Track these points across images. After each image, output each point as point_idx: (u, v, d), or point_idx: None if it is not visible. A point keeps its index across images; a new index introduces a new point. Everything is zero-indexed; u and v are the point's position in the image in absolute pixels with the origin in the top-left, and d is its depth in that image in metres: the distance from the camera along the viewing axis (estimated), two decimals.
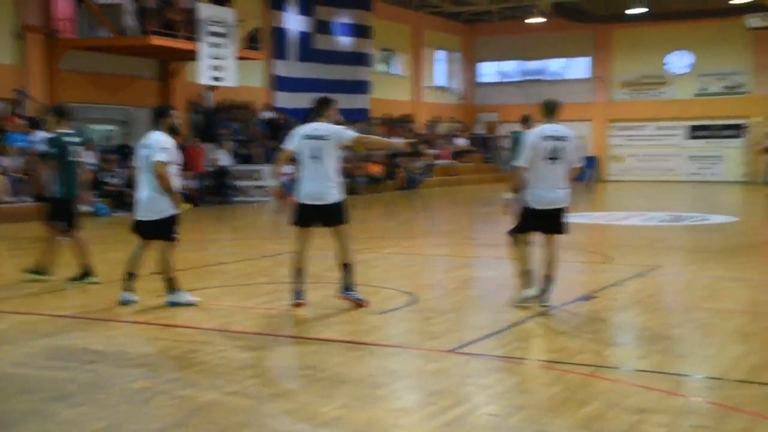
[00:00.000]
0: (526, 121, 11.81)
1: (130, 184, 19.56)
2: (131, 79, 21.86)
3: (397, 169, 28.00)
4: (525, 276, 7.63)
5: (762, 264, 10.95)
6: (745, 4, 29.11)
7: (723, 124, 32.93)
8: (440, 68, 36.49)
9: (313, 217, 7.55)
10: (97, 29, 20.06)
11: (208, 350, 6.09)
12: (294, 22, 27.02)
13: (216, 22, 21.22)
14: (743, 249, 11.90)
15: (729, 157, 32.85)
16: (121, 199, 18.95)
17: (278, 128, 24.90)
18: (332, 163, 7.49)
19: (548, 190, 7.47)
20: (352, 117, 26.13)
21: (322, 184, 7.45)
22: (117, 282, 8.02)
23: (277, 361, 6.09)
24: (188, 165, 18.36)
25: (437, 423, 4.48)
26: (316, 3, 27.62)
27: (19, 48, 19.23)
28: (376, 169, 26.89)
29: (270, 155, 23.43)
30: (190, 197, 18.82)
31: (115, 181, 19.31)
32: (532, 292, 7.57)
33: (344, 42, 28.73)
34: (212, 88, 22.78)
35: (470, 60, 37.46)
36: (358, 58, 29.06)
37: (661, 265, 10.40)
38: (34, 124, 17.40)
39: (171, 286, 7.70)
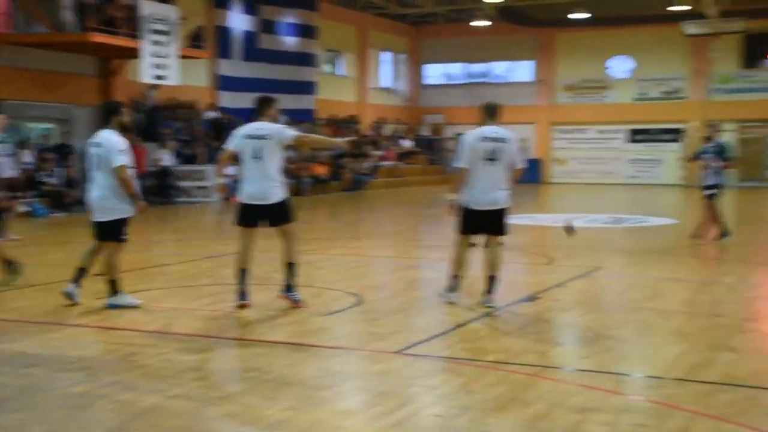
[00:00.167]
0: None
1: (69, 183, 19.19)
2: (70, 76, 21.39)
3: (342, 170, 27.96)
4: (454, 280, 7.78)
5: (699, 265, 11.21)
6: (683, 11, 29.80)
7: (662, 128, 33.67)
8: (386, 70, 36.55)
9: (257, 217, 7.50)
10: (34, 24, 19.58)
11: (150, 353, 5.98)
12: (238, 21, 26.79)
13: (158, 19, 20.91)
14: (681, 250, 12.17)
15: (667, 161, 33.58)
16: (60, 200, 18.55)
17: (222, 128, 24.63)
18: (274, 163, 7.44)
19: (487, 191, 7.54)
20: (297, 117, 26.02)
21: (265, 184, 7.40)
22: (54, 285, 7.83)
23: (222, 363, 6.01)
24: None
25: (383, 424, 4.47)
26: (260, 2, 27.44)
27: None
28: (321, 170, 26.81)
29: (213, 155, 23.18)
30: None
31: (53, 180, 18.87)
32: (453, 297, 7.73)
33: (289, 42, 28.59)
34: (154, 86, 22.43)
35: (416, 62, 37.61)
36: (304, 59, 28.95)
37: (603, 266, 10.57)
38: None
39: (113, 288, 7.55)
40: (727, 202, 23.98)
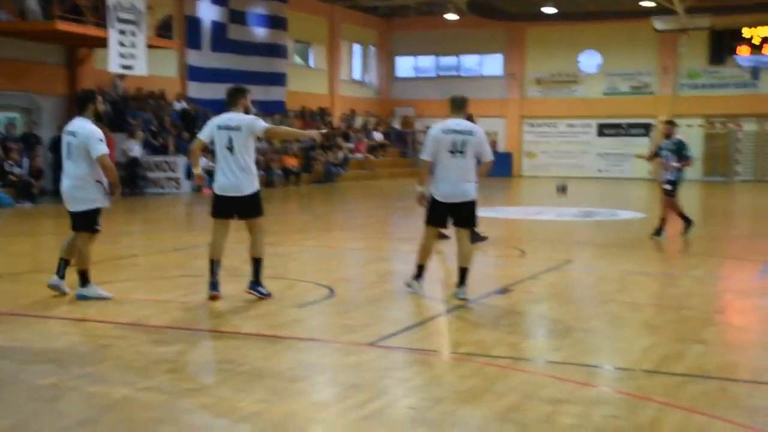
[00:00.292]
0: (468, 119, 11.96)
1: (36, 174, 18.90)
2: (36, 65, 21.07)
3: (313, 162, 27.87)
4: (418, 269, 7.83)
5: (668, 258, 11.33)
6: (651, 7, 30.08)
7: (630, 122, 33.99)
8: (357, 62, 36.47)
9: (230, 208, 7.45)
10: None
11: (121, 345, 5.92)
12: (207, 11, 26.56)
13: (125, 8, 20.65)
14: (650, 244, 12.29)
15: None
16: (26, 190, 18.29)
17: (191, 119, 24.45)
18: (246, 154, 7.39)
19: (453, 183, 7.57)
20: (268, 109, 25.89)
21: (237, 175, 7.35)
22: (19, 276, 7.71)
23: (194, 355, 5.95)
24: None
25: (355, 416, 4.46)
26: None
27: None
28: (292, 162, 26.70)
29: (183, 146, 22.99)
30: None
31: (18, 170, 18.59)
32: (415, 286, 7.80)
33: (259, 33, 28.40)
34: (122, 76, 22.17)
35: (387, 54, 37.57)
36: (274, 50, 28.78)
37: (574, 259, 10.65)
38: None
39: (83, 279, 7.45)
40: (693, 197, 24.34)
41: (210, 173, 7.76)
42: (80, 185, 7.34)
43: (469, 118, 11.98)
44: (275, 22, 28.86)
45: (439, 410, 4.57)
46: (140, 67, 21.36)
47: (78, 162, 7.31)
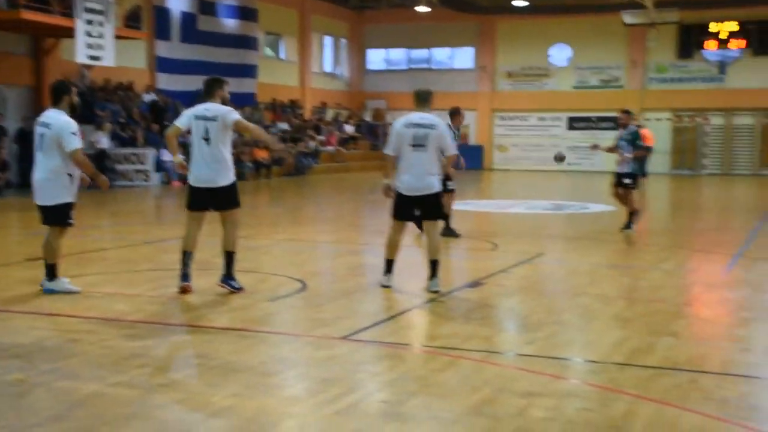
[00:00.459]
0: (455, 114, 11.98)
1: (1, 166, 18.60)
2: (0, 55, 20.70)
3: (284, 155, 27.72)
4: (387, 264, 7.85)
5: (638, 251, 11.42)
6: (621, 1, 30.28)
7: (600, 116, 34.20)
8: (328, 54, 36.32)
9: (206, 200, 7.39)
10: None
11: (90, 339, 5.84)
12: (177, 1, 26.24)
13: None
14: (621, 237, 12.38)
15: None
16: None
17: (160, 111, 24.20)
18: (223, 145, 7.33)
19: (416, 176, 7.61)
20: (238, 101, 25.67)
21: (212, 167, 7.30)
22: None
23: (165, 350, 5.88)
24: None
25: (329, 411, 4.44)
26: None
27: None
28: (263, 155, 26.55)
29: (152, 138, 22.75)
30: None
31: None
32: (385, 281, 7.80)
33: (229, 24, 28.14)
34: (89, 67, 21.87)
35: (358, 47, 37.47)
36: (244, 42, 28.54)
37: (545, 252, 10.69)
38: None
39: (51, 272, 7.34)
40: (661, 190, 24.58)
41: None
42: (52, 177, 7.23)
43: (456, 112, 12.06)
44: (245, 14, 28.62)
45: (412, 404, 4.56)
46: (108, 58, 21.08)
47: (50, 154, 7.19)
